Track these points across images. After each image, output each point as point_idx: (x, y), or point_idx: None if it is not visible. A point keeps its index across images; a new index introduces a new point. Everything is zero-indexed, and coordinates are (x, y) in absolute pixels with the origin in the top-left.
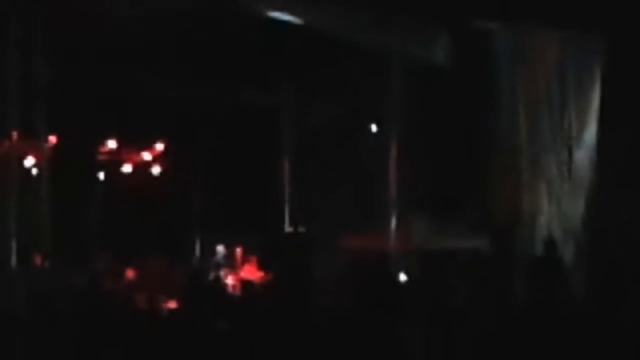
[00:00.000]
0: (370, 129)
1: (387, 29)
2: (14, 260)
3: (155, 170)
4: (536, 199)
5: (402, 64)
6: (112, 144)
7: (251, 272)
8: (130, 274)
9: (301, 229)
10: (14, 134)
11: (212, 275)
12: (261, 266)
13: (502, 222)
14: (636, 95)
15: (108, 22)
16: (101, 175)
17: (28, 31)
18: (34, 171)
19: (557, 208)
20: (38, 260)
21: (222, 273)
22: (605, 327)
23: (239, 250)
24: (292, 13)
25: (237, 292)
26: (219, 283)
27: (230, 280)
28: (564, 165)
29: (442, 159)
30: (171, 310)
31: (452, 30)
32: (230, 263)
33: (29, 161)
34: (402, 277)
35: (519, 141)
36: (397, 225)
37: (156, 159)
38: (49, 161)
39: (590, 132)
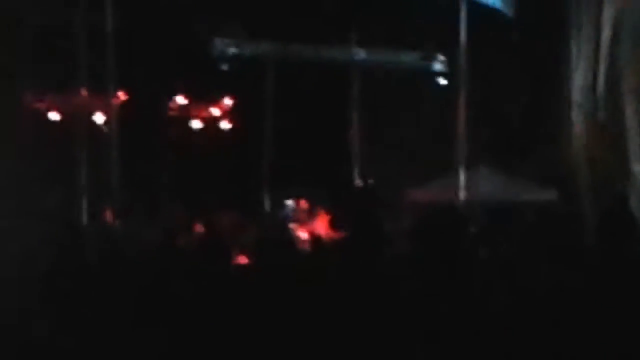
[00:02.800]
0: (438, 81)
1: None
2: (85, 217)
3: (225, 125)
4: (611, 153)
5: (469, 12)
6: (181, 99)
7: (321, 226)
8: (201, 228)
9: (370, 182)
10: (84, 91)
11: (281, 229)
12: (331, 220)
13: (572, 175)
14: None
15: None
16: (171, 131)
17: None
18: (104, 128)
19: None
20: (109, 216)
21: (291, 227)
22: None
23: (308, 204)
24: None
25: (307, 246)
26: (289, 237)
27: (299, 234)
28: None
29: (511, 110)
30: (242, 265)
31: None
32: (300, 217)
33: (99, 118)
34: (471, 229)
35: (596, 95)
36: (465, 177)
37: (225, 114)
38: (119, 118)
39: None
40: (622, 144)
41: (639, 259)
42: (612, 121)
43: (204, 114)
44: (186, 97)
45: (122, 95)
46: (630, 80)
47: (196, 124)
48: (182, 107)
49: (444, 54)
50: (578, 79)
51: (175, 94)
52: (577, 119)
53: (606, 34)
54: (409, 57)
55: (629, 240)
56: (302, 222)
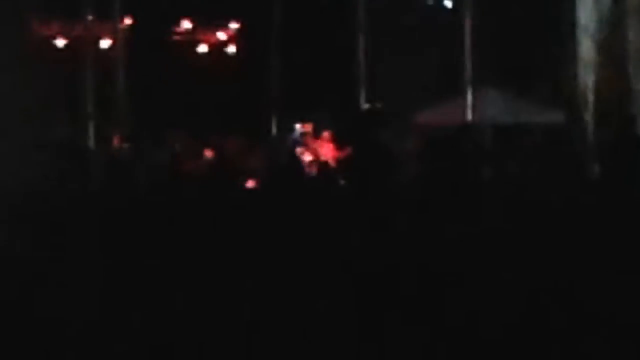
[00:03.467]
0: (445, 3)
1: None
2: (92, 141)
3: (231, 49)
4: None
5: None
6: (187, 24)
7: (328, 149)
8: (208, 153)
9: (377, 106)
10: (89, 17)
11: (289, 153)
12: (338, 143)
13: (574, 100)
14: None
15: None
16: (177, 56)
17: None
18: (110, 52)
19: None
20: (117, 141)
21: (299, 150)
22: None
23: (315, 128)
24: None
25: (315, 169)
26: (297, 161)
27: (307, 158)
28: None
29: (517, 34)
30: (250, 189)
31: None
32: (307, 141)
33: (105, 43)
34: (478, 150)
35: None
36: (472, 99)
37: (231, 39)
38: (125, 43)
39: None
40: (625, 64)
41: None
42: (616, 41)
43: (210, 38)
44: (192, 21)
45: (128, 20)
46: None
47: (202, 48)
48: (188, 31)
49: None
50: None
51: (181, 19)
52: (582, 40)
53: None
54: None
55: (635, 161)
56: (309, 146)
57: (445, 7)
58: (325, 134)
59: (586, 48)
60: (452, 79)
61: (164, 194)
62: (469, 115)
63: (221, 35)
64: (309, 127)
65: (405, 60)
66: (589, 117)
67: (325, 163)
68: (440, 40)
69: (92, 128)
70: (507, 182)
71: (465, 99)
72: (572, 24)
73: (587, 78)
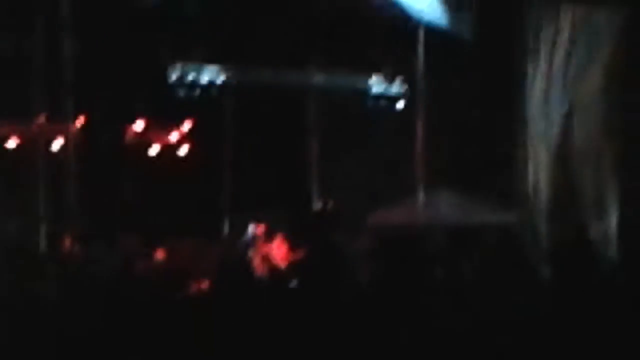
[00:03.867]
0: (397, 103)
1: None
2: (43, 244)
3: (183, 150)
4: (563, 177)
5: (428, 37)
6: (139, 124)
7: (281, 251)
8: (160, 254)
9: (330, 205)
10: (41, 117)
11: (241, 254)
12: (291, 244)
13: (528, 200)
14: None
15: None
16: (129, 156)
17: (54, 11)
18: (62, 154)
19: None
20: (68, 244)
21: (251, 251)
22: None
23: (268, 229)
24: None
25: (267, 270)
26: (249, 262)
27: (259, 259)
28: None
29: (468, 133)
30: (202, 291)
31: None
32: (259, 242)
33: (57, 144)
34: (430, 251)
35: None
36: (424, 199)
37: (184, 139)
38: (77, 144)
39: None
40: (572, 163)
41: (595, 286)
42: (564, 140)
43: (163, 138)
44: (145, 121)
45: (80, 121)
46: (580, 99)
47: (155, 148)
48: (140, 132)
49: (402, 77)
50: (532, 100)
51: (134, 120)
52: (532, 140)
53: (560, 53)
54: (367, 81)
55: (586, 268)
56: (261, 247)
57: (398, 108)
58: (278, 235)
59: (537, 148)
60: (406, 179)
61: (113, 298)
62: (422, 216)
63: (174, 136)
64: (261, 228)
65: (358, 159)
66: (541, 218)
67: (278, 265)
68: (393, 140)
69: (44, 230)
70: (460, 284)
71: (418, 198)
72: (524, 123)
73: (539, 178)
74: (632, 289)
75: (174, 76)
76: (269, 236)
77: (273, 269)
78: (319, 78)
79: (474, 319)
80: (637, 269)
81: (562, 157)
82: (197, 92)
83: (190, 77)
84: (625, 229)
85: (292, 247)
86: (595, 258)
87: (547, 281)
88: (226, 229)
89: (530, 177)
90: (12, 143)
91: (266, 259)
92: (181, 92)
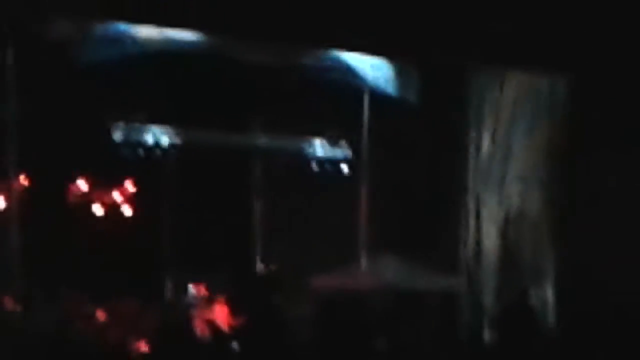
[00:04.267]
0: (341, 168)
1: (357, 68)
2: None
3: (125, 210)
4: (504, 244)
5: (371, 101)
6: (81, 184)
7: (222, 313)
8: (100, 315)
9: (272, 269)
10: None
11: (182, 316)
12: (233, 306)
13: (469, 265)
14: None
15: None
16: (70, 216)
17: None
18: (4, 214)
19: (527, 254)
20: (8, 303)
21: (192, 313)
22: None
23: (209, 291)
24: (260, 54)
25: (208, 333)
26: (189, 324)
27: (200, 321)
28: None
29: (411, 199)
30: (142, 353)
31: (423, 69)
32: (201, 303)
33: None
34: (372, 316)
35: (483, 181)
36: (368, 264)
37: (126, 200)
38: (19, 203)
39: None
40: (510, 232)
41: (535, 350)
42: (506, 208)
43: (104, 199)
44: (88, 181)
45: (22, 181)
46: (520, 167)
47: (96, 208)
48: (82, 192)
49: (347, 141)
50: (474, 167)
51: (76, 179)
52: (473, 208)
53: (503, 122)
54: (312, 144)
55: (527, 335)
56: (202, 309)
57: (342, 172)
58: (220, 298)
59: (476, 215)
60: (349, 243)
61: (53, 357)
62: (365, 281)
63: (116, 196)
64: (203, 290)
65: (303, 222)
66: (482, 284)
67: (219, 327)
68: (337, 203)
69: None
70: (402, 350)
71: (362, 263)
72: (467, 190)
73: (482, 245)
74: (569, 352)
75: (117, 136)
76: (210, 298)
77: (214, 331)
78: (263, 140)
79: None
80: (573, 333)
81: (504, 224)
82: (141, 152)
83: (134, 138)
84: (562, 296)
85: (234, 309)
86: (535, 323)
87: (488, 345)
88: (168, 290)
89: (473, 244)
90: None
91: (208, 320)
92: (125, 152)
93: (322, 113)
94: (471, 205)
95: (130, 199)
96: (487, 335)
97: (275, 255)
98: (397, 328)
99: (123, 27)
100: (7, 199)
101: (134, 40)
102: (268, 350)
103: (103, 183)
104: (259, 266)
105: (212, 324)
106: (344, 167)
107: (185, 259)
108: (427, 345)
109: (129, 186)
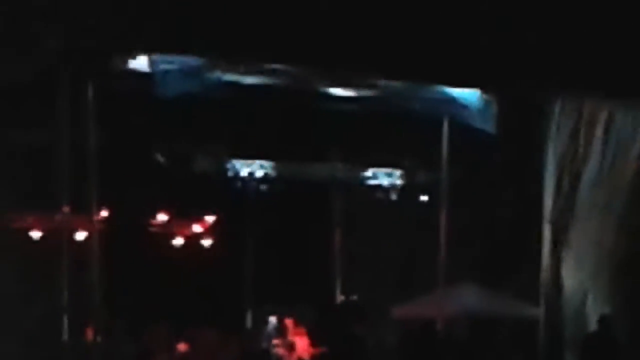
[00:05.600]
0: (421, 198)
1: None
2: (66, 334)
3: (207, 242)
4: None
5: (450, 132)
6: (162, 216)
7: (303, 343)
8: (183, 347)
9: (353, 299)
10: (65, 209)
11: (264, 347)
12: (313, 337)
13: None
14: None
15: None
16: (152, 248)
17: (77, 104)
18: (86, 245)
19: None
20: (91, 334)
21: (274, 344)
22: None
23: (291, 321)
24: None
25: None
26: (270, 355)
27: (282, 352)
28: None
29: (491, 228)
30: None
31: (501, 99)
32: (283, 334)
33: (81, 235)
34: (454, 344)
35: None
36: (448, 293)
37: (207, 231)
38: (100, 235)
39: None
40: (588, 261)
41: None
42: (577, 238)
43: (185, 230)
44: (168, 213)
45: (104, 212)
46: (599, 197)
47: (178, 240)
48: (164, 223)
49: (426, 171)
50: (548, 197)
51: (157, 211)
52: (549, 236)
53: (582, 152)
54: (392, 174)
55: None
56: (284, 340)
57: (422, 201)
58: (301, 328)
59: (551, 244)
60: (428, 272)
61: None
62: (446, 309)
63: (196, 228)
64: (286, 321)
65: (382, 253)
66: (563, 312)
67: (301, 357)
68: (416, 233)
69: (66, 320)
70: None
71: (442, 292)
72: (540, 222)
73: (561, 274)
74: None
75: (200, 168)
76: (292, 329)
77: None
78: (343, 171)
79: None
80: None
81: (580, 253)
82: (223, 185)
83: (216, 170)
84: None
85: (316, 339)
86: (617, 351)
87: None
88: (249, 321)
89: (552, 272)
90: (36, 234)
91: (290, 350)
92: (207, 185)
93: (402, 143)
94: (551, 234)
95: (212, 231)
96: None
97: (357, 286)
98: (478, 356)
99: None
100: (89, 231)
101: (213, 74)
102: None
103: (185, 215)
104: (339, 297)
105: (294, 354)
106: (424, 197)
107: (265, 290)
108: None
109: (211, 218)
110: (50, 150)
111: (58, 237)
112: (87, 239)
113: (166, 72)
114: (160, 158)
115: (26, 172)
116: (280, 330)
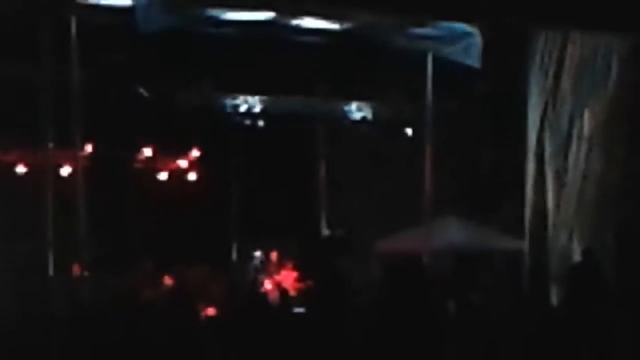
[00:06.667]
0: (404, 132)
1: (420, 32)
2: (52, 269)
3: (191, 177)
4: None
5: (435, 66)
6: (147, 151)
7: (289, 278)
8: (168, 281)
9: (338, 232)
10: (50, 144)
11: (249, 281)
12: (299, 271)
13: (536, 226)
14: None
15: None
16: (137, 183)
17: (59, 39)
18: (71, 180)
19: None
20: (76, 269)
21: (259, 278)
22: None
23: (276, 256)
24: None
25: (275, 297)
26: (257, 289)
27: (267, 286)
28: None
29: (475, 161)
30: (210, 317)
31: (486, 31)
32: (268, 269)
33: (65, 170)
34: (437, 278)
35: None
36: (432, 227)
37: (192, 166)
38: (85, 170)
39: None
40: (574, 192)
41: (603, 313)
42: (562, 170)
43: (170, 165)
44: (152, 148)
45: (88, 148)
46: (583, 129)
47: (163, 175)
48: (148, 159)
49: (411, 106)
50: (532, 130)
51: (141, 146)
52: (533, 168)
53: (566, 83)
54: (376, 109)
55: (595, 294)
56: (270, 274)
57: (406, 135)
58: (286, 262)
59: (537, 176)
60: (413, 206)
61: (123, 322)
62: (431, 243)
63: (181, 163)
64: (271, 255)
65: (367, 188)
66: (548, 245)
67: (286, 291)
68: (400, 167)
69: (51, 255)
70: (467, 311)
71: (427, 226)
72: (524, 154)
73: (545, 204)
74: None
75: (184, 103)
76: (277, 263)
77: (282, 295)
78: (327, 106)
79: (481, 344)
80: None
81: (566, 185)
82: (208, 119)
83: (201, 105)
84: (625, 254)
85: (301, 273)
86: (601, 281)
87: (554, 304)
88: (235, 256)
89: (537, 206)
90: (20, 169)
91: (275, 284)
92: (193, 119)
93: (386, 78)
94: (535, 167)
95: (197, 166)
96: (552, 294)
97: (341, 219)
98: (463, 290)
99: None
100: (74, 166)
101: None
102: (334, 313)
103: (170, 150)
104: (325, 231)
105: (279, 287)
106: (408, 131)
107: (250, 225)
108: (492, 306)
109: (196, 153)
110: (32, 86)
111: (42, 173)
112: (71, 174)
113: (148, 6)
114: (144, 93)
115: (8, 108)
116: (266, 265)
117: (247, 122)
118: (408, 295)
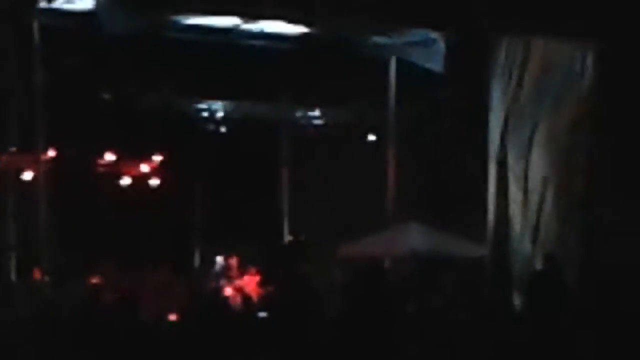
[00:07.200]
0: (367, 137)
1: (385, 36)
2: (13, 273)
3: (154, 182)
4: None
5: (398, 71)
6: (110, 155)
7: (251, 283)
8: (130, 286)
9: (301, 237)
10: (13, 148)
11: (211, 286)
12: (261, 275)
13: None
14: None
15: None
16: (99, 187)
17: (24, 45)
18: (33, 185)
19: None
20: (38, 273)
21: (221, 284)
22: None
23: (238, 261)
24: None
25: (236, 303)
26: (218, 294)
27: (229, 291)
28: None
29: (438, 167)
30: (171, 322)
31: (449, 36)
32: (229, 274)
33: (28, 175)
34: (400, 283)
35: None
36: (394, 232)
37: (155, 171)
38: (48, 174)
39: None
40: (536, 198)
41: (565, 319)
42: (524, 176)
43: (133, 170)
44: (116, 153)
45: (51, 152)
46: (546, 135)
47: (126, 180)
48: (111, 163)
49: (374, 110)
50: (494, 135)
51: (105, 151)
52: (495, 174)
53: (528, 90)
54: (338, 114)
55: (557, 300)
56: (231, 279)
57: (368, 141)
58: (249, 268)
59: (498, 182)
60: (376, 211)
61: (83, 327)
62: (393, 248)
63: (144, 167)
64: (233, 261)
65: (329, 193)
66: (510, 251)
67: (248, 296)
68: (363, 172)
69: (14, 260)
70: (431, 316)
71: (389, 231)
72: (486, 160)
73: (507, 211)
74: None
75: (147, 107)
76: (240, 267)
77: (244, 299)
78: (290, 111)
79: (440, 348)
80: (599, 296)
81: (528, 191)
82: (172, 125)
83: (165, 110)
84: (589, 261)
85: (263, 278)
86: (563, 287)
87: (518, 309)
88: (197, 260)
89: (499, 211)
90: None
91: (237, 289)
92: (157, 124)
93: (349, 83)
94: (497, 173)
95: (160, 170)
96: (514, 299)
97: (304, 225)
98: (425, 294)
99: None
100: (37, 170)
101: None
102: (296, 319)
103: (133, 154)
104: (287, 237)
105: (241, 293)
106: (371, 136)
107: (213, 230)
108: (454, 311)
109: (159, 158)
110: None
111: (5, 176)
112: (34, 178)
113: (111, 11)
114: (108, 97)
115: None
116: (228, 270)
117: (211, 127)
118: (370, 299)
